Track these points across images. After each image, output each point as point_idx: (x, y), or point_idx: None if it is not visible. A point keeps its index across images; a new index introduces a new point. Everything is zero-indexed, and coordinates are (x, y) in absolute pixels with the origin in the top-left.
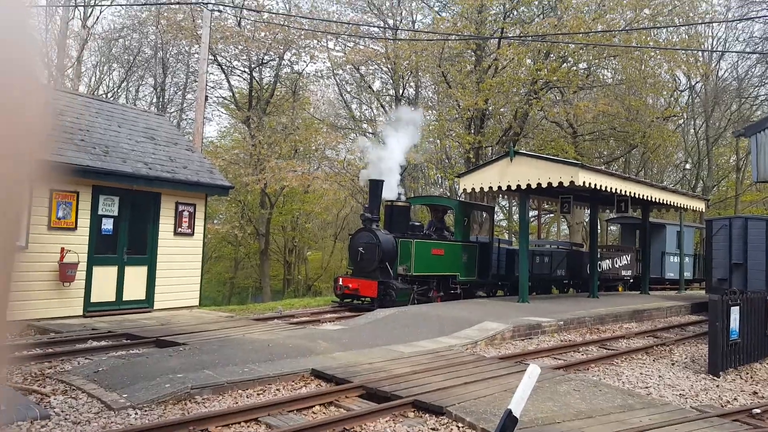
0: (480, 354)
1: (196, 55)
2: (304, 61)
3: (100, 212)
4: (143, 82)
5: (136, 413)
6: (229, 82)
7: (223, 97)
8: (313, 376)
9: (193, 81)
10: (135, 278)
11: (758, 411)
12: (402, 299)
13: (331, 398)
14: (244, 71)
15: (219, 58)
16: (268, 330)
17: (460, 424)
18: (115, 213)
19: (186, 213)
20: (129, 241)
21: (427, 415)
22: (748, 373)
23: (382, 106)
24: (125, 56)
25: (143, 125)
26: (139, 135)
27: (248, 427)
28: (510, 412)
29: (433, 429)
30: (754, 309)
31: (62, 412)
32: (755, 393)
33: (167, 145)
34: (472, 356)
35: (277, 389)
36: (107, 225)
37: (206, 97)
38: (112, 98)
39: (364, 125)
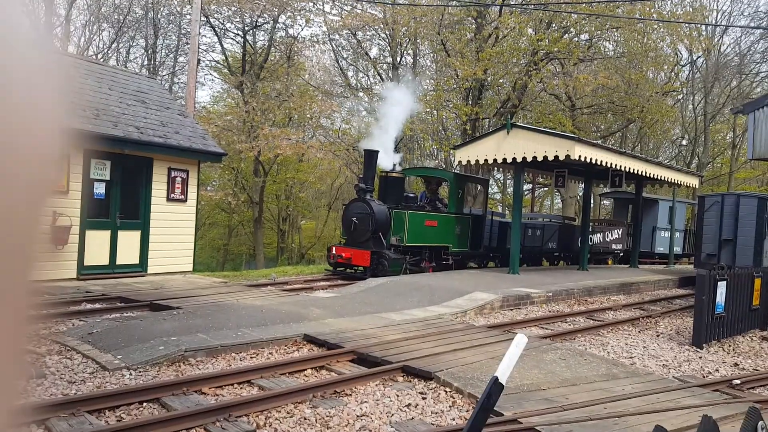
0: (469, 323)
1: (188, 16)
2: (300, 25)
3: (91, 176)
4: (134, 44)
5: (131, 374)
6: (222, 45)
7: (215, 61)
8: (305, 341)
9: (185, 43)
10: (128, 242)
11: (738, 381)
12: (394, 269)
13: (323, 362)
14: (238, 34)
15: (211, 20)
16: (262, 296)
17: (447, 389)
18: (107, 177)
19: (178, 179)
20: (122, 205)
21: (416, 379)
22: (730, 346)
23: (379, 74)
24: (115, 16)
25: (134, 88)
26: (129, 98)
27: (241, 388)
28: (496, 378)
29: (421, 393)
30: (740, 284)
31: (57, 371)
32: (736, 365)
33: (159, 110)
34: (462, 325)
35: (270, 353)
36: (99, 189)
37: (198, 60)
38: (102, 60)
39: (360, 93)
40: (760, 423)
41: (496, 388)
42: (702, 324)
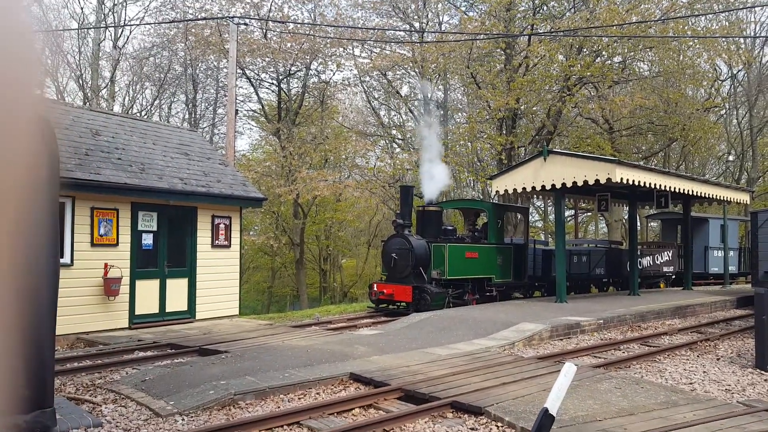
0: (518, 354)
1: (224, 70)
2: (331, 70)
3: (139, 228)
4: (175, 99)
5: (183, 419)
6: (257, 94)
7: (252, 110)
8: (351, 379)
9: (223, 95)
10: (176, 290)
11: None
12: (437, 303)
13: (370, 401)
14: (272, 83)
15: (247, 72)
16: (306, 336)
17: (499, 424)
18: (154, 228)
19: (222, 225)
20: (169, 254)
21: (465, 415)
22: None
23: (411, 111)
24: (156, 74)
25: (177, 141)
26: (173, 151)
27: (291, 430)
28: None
29: (472, 429)
30: None
31: (113, 419)
32: None
33: (201, 160)
34: (510, 357)
35: (317, 393)
36: (147, 240)
37: (236, 110)
38: (145, 116)
39: (393, 131)
40: None
41: (546, 419)
42: (765, 344)
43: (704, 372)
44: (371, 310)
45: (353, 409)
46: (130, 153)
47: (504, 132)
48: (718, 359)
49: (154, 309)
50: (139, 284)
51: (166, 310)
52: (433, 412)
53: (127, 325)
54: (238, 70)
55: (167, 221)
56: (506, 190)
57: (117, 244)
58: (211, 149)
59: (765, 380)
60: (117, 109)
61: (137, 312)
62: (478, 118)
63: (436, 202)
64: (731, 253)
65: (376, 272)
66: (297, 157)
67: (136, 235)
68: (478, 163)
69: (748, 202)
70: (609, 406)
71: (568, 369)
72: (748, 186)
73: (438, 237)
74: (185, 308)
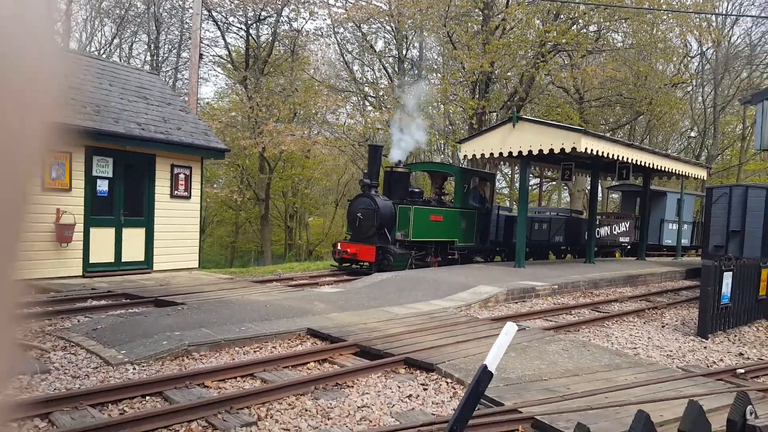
0: (473, 316)
1: (190, 10)
2: (303, 18)
3: (94, 173)
4: (136, 39)
5: (134, 368)
6: (224, 39)
7: (218, 56)
8: (309, 335)
9: (188, 38)
10: (133, 240)
11: (742, 371)
12: (400, 264)
13: (326, 355)
14: (241, 28)
15: (214, 14)
16: (266, 292)
17: (449, 380)
18: (110, 174)
19: (182, 175)
20: (125, 202)
21: (417, 371)
22: (736, 336)
23: (385, 68)
24: (116, 11)
25: (135, 84)
26: (131, 94)
27: (244, 381)
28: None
29: (422, 384)
30: (747, 275)
31: (61, 366)
32: (741, 354)
33: (161, 105)
34: (465, 318)
35: (273, 347)
36: (102, 186)
37: (201, 55)
38: (105, 56)
39: (366, 88)
40: (749, 407)
41: (485, 375)
42: (707, 314)
43: (649, 338)
44: (334, 268)
45: (308, 363)
46: (85, 93)
47: (477, 96)
48: (663, 326)
49: (110, 258)
50: (94, 232)
51: (122, 260)
52: (386, 367)
53: (80, 273)
54: (205, 11)
55: (124, 168)
56: (474, 155)
57: (70, 189)
58: (172, 95)
59: (705, 347)
60: (73, 46)
61: (91, 260)
62: (452, 79)
63: (404, 163)
64: (685, 226)
65: (343, 232)
66: (264, 109)
67: (90, 180)
68: (449, 126)
69: (705, 178)
70: (555, 367)
71: (509, 328)
72: (707, 162)
73: (404, 199)
74: (142, 258)
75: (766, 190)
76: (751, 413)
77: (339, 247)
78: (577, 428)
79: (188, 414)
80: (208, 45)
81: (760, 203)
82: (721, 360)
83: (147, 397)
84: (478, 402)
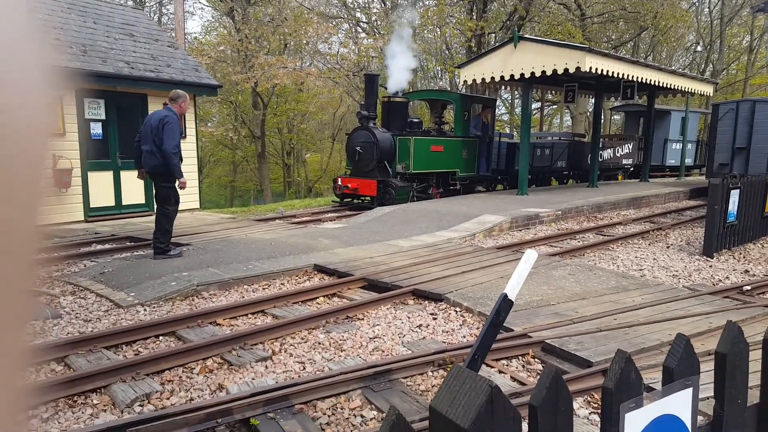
0: (478, 245)
1: None
2: None
3: (86, 116)
4: None
5: (145, 310)
6: None
7: None
8: (316, 271)
9: None
10: (132, 183)
11: (748, 288)
12: (401, 197)
13: (334, 290)
14: None
15: None
16: (270, 230)
17: (457, 309)
18: (103, 117)
19: None
20: (121, 145)
21: (426, 302)
22: (741, 254)
23: None
24: None
25: (120, 21)
26: (116, 32)
27: (255, 318)
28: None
29: (431, 314)
30: (753, 192)
31: (72, 311)
32: (747, 271)
33: (148, 42)
34: (470, 247)
35: (282, 284)
36: (96, 129)
37: None
38: None
39: (358, 14)
40: None
41: (505, 304)
42: (713, 233)
43: (654, 259)
44: (335, 204)
45: (317, 298)
46: (69, 33)
47: (474, 16)
48: (668, 247)
49: (110, 202)
50: (92, 176)
51: (123, 203)
52: (395, 299)
53: (83, 218)
54: None
55: (116, 109)
56: (474, 80)
57: (64, 133)
58: (159, 30)
59: (710, 266)
60: None
61: (92, 205)
62: (448, 0)
63: (402, 92)
64: (689, 145)
65: (341, 167)
66: (254, 41)
67: (83, 124)
68: (447, 52)
69: (711, 94)
70: (563, 292)
71: (529, 255)
72: (713, 77)
73: (404, 130)
74: (143, 201)
75: None
76: None
77: (339, 183)
78: (617, 354)
79: (203, 351)
80: None
81: None
82: (727, 278)
83: (161, 338)
84: (498, 331)
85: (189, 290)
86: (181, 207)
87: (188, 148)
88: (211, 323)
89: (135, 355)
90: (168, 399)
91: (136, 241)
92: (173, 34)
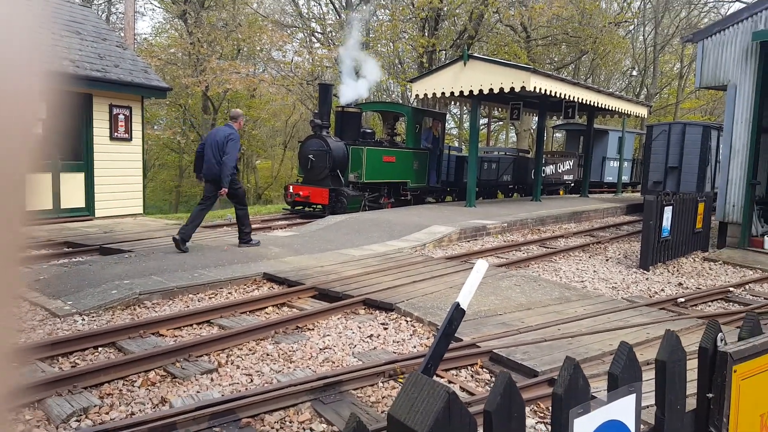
0: (428, 255)
1: None
2: None
3: None
4: None
5: (83, 320)
6: None
7: None
8: (265, 279)
9: None
10: (72, 185)
11: (682, 300)
12: (353, 206)
13: (284, 299)
14: None
15: None
16: (218, 237)
17: (408, 319)
18: (43, 116)
19: (121, 116)
20: (62, 146)
21: (377, 312)
22: (675, 267)
23: (332, 2)
24: None
25: (66, 17)
26: (62, 28)
27: (201, 329)
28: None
29: (382, 324)
30: (685, 209)
31: None
32: (680, 284)
33: (95, 41)
34: (421, 257)
35: (229, 293)
36: (36, 129)
37: None
38: None
39: (313, 24)
40: (719, 335)
41: (457, 313)
42: (649, 247)
43: (594, 271)
44: (287, 212)
45: (266, 307)
46: None
47: (426, 33)
48: (607, 260)
49: (47, 205)
50: (30, 177)
51: (62, 207)
52: (346, 309)
53: (24, 223)
54: None
55: (58, 109)
56: (426, 94)
57: None
58: (107, 29)
59: (646, 279)
60: None
61: (27, 207)
62: (402, 16)
63: (355, 103)
64: (626, 163)
65: (293, 174)
66: (206, 45)
67: None
68: (399, 66)
69: (646, 116)
70: (509, 302)
71: (481, 265)
72: (647, 101)
73: (356, 139)
74: (83, 205)
75: (702, 127)
76: (721, 340)
77: (291, 190)
78: (566, 361)
79: (145, 363)
80: None
81: (697, 140)
82: (662, 290)
83: (100, 349)
84: (451, 340)
85: (131, 299)
86: (123, 212)
87: (133, 151)
88: (153, 334)
89: (72, 367)
90: (107, 414)
91: (74, 246)
92: (122, 34)
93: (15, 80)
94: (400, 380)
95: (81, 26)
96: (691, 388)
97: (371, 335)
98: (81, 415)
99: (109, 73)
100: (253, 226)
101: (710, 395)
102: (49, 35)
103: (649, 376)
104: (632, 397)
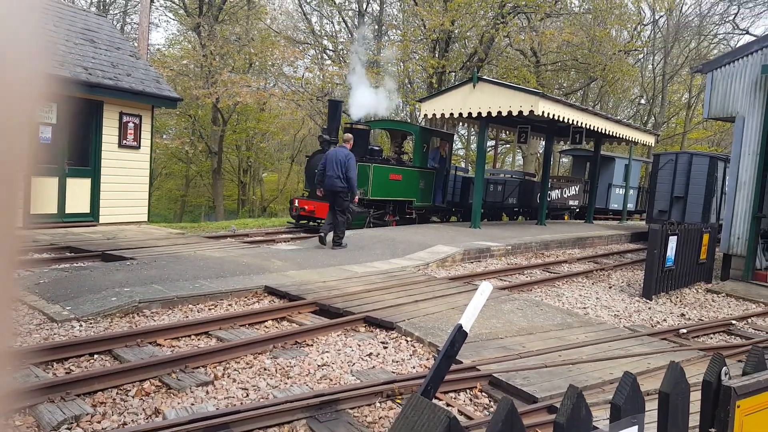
0: (431, 275)
1: None
2: None
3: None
4: None
5: (81, 326)
6: None
7: (171, 0)
8: (266, 292)
9: None
10: (78, 190)
11: (684, 331)
12: (358, 222)
13: (284, 314)
14: None
15: None
16: (221, 248)
17: (408, 338)
18: (53, 121)
19: (131, 124)
20: (70, 151)
21: (377, 330)
22: (677, 297)
23: (344, 21)
24: None
25: (82, 26)
26: (77, 36)
27: (199, 340)
28: (461, 326)
29: (382, 342)
30: (690, 239)
31: None
32: (683, 315)
33: (109, 50)
34: (424, 277)
35: (229, 305)
36: (45, 133)
37: None
38: None
39: (325, 41)
40: (724, 369)
41: (460, 335)
42: (652, 277)
43: (597, 298)
44: (291, 225)
45: (266, 321)
46: None
47: (437, 55)
48: (610, 287)
49: (53, 209)
50: (35, 181)
51: (66, 212)
52: (346, 326)
53: (20, 225)
54: None
55: (69, 114)
56: (434, 115)
57: None
58: (121, 38)
59: (649, 308)
60: None
61: (32, 211)
62: (413, 37)
63: (364, 120)
64: (631, 191)
65: (298, 188)
66: (218, 58)
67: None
68: (409, 85)
69: (653, 145)
70: (511, 326)
71: (485, 288)
72: (654, 129)
73: (364, 156)
74: (88, 210)
75: (709, 158)
76: (725, 374)
77: (296, 204)
78: (569, 389)
79: (140, 373)
80: None
81: (703, 170)
82: (665, 320)
83: (95, 356)
84: (452, 362)
85: (130, 307)
86: (127, 219)
87: (141, 159)
88: (151, 343)
89: (66, 373)
90: (99, 423)
91: (76, 251)
92: (136, 44)
93: (9, 81)
94: (399, 401)
95: (95, 35)
96: (693, 420)
97: (370, 354)
98: (72, 423)
99: (121, 81)
100: (257, 238)
101: (713, 430)
102: (49, 39)
103: (650, 406)
104: (634, 429)
